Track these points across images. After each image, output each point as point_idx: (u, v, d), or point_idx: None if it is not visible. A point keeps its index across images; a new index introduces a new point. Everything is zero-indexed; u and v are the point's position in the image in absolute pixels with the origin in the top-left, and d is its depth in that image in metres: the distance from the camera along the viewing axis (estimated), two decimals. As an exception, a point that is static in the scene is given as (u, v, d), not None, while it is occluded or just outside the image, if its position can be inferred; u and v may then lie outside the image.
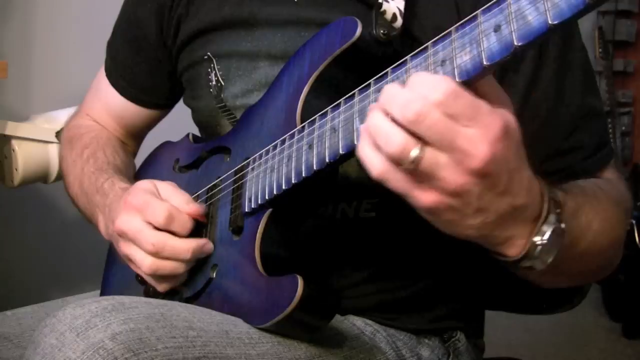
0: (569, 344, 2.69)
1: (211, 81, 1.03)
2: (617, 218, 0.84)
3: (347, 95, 0.75)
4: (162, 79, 1.15)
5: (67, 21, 2.07)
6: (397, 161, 0.61)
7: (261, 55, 0.99)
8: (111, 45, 1.19)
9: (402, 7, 0.87)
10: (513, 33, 0.60)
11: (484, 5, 0.63)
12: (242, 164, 0.91)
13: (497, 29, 0.61)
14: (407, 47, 0.74)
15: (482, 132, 0.60)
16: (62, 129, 1.32)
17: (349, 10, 0.90)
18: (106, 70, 1.19)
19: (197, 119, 1.11)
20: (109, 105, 1.20)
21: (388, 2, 0.87)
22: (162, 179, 1.06)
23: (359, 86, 0.74)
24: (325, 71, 0.84)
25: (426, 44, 0.67)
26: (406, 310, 0.98)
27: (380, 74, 0.72)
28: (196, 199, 0.98)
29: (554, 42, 0.89)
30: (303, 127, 0.81)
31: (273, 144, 0.85)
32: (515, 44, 0.59)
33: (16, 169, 1.58)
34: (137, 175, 1.18)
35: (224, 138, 1.00)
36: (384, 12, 0.87)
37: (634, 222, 2.79)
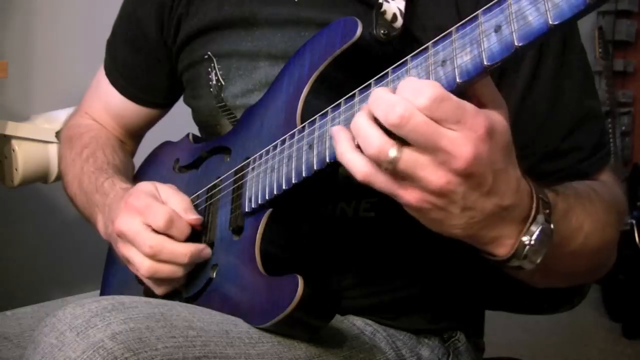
0: (569, 344, 2.69)
1: (211, 81, 1.03)
2: (610, 221, 0.85)
3: (347, 96, 0.75)
4: (161, 78, 1.15)
5: (67, 21, 2.07)
6: (377, 162, 0.63)
7: (261, 55, 0.99)
8: (111, 44, 1.19)
9: (402, 7, 0.87)
10: (514, 33, 0.60)
11: (484, 5, 0.63)
12: (242, 164, 0.91)
13: (497, 29, 0.61)
14: (408, 47, 0.74)
15: (466, 133, 0.61)
16: (62, 129, 1.32)
17: (349, 10, 0.90)
18: (106, 69, 1.19)
19: (197, 119, 1.11)
20: (108, 104, 1.20)
21: (388, 2, 0.87)
22: (162, 178, 1.06)
23: (359, 86, 0.74)
24: (325, 71, 0.84)
25: (427, 44, 0.67)
26: (406, 310, 0.98)
27: (380, 74, 0.72)
28: (196, 198, 0.99)
29: (553, 43, 0.89)
30: (303, 127, 0.81)
31: (273, 144, 0.85)
32: (516, 44, 0.60)
33: (16, 169, 1.58)
34: (137, 175, 1.18)
35: (224, 138, 1.00)
36: (384, 12, 0.87)
37: (634, 222, 2.79)
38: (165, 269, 0.88)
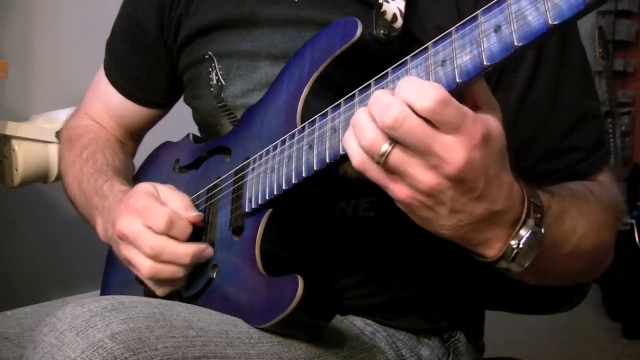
0: (569, 344, 2.69)
1: (212, 80, 1.03)
2: (606, 222, 0.85)
3: (347, 96, 0.75)
4: (161, 78, 1.15)
5: (67, 21, 2.06)
6: (368, 154, 0.65)
7: (262, 55, 0.99)
8: (110, 45, 1.19)
9: (402, 8, 0.87)
10: (513, 33, 0.60)
11: (484, 5, 0.63)
12: (243, 164, 0.91)
13: (497, 29, 0.61)
14: (408, 47, 0.75)
15: (462, 139, 0.62)
16: (61, 129, 1.32)
17: (350, 11, 0.90)
18: (105, 69, 1.19)
19: (198, 119, 1.11)
20: (108, 104, 1.20)
21: (388, 2, 0.87)
22: (162, 179, 1.07)
23: (359, 86, 0.74)
24: (325, 71, 0.84)
25: (426, 44, 0.67)
26: (406, 310, 0.98)
27: (380, 74, 0.72)
28: (196, 199, 0.99)
29: (553, 43, 0.89)
30: (303, 127, 0.81)
31: (273, 144, 0.85)
32: (516, 44, 0.60)
33: (16, 169, 1.58)
34: (137, 175, 1.18)
35: (224, 138, 1.00)
36: (384, 12, 0.87)
37: (634, 222, 2.79)
38: (167, 270, 0.88)
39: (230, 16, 1.01)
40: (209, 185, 0.97)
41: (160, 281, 0.90)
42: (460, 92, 0.64)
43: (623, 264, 2.75)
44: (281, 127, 0.86)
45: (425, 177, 0.63)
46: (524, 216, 0.69)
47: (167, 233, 0.87)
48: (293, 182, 0.80)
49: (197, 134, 1.12)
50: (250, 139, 0.93)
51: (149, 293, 0.95)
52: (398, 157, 0.63)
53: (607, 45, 3.28)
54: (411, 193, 0.65)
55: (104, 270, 1.14)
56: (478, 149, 0.62)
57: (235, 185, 0.91)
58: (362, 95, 0.73)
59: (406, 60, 0.69)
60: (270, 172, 0.84)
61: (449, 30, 0.65)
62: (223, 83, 1.02)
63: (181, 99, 1.17)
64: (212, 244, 0.92)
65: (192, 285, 0.92)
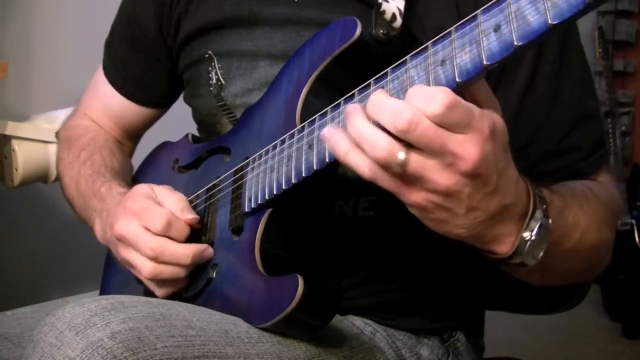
0: (569, 344, 2.69)
1: (211, 80, 1.03)
2: (606, 220, 0.85)
3: (347, 95, 0.75)
4: (160, 77, 1.15)
5: (67, 21, 2.07)
6: (384, 165, 0.63)
7: (261, 55, 0.99)
8: (109, 44, 1.19)
9: (401, 7, 0.87)
10: (513, 33, 0.60)
11: (484, 5, 0.63)
12: (242, 163, 0.91)
13: (497, 28, 0.61)
14: (407, 47, 0.74)
15: (473, 136, 0.62)
16: (60, 130, 1.32)
17: (349, 10, 0.90)
18: (104, 68, 1.19)
19: (197, 118, 1.11)
20: (107, 104, 1.20)
21: (388, 2, 0.87)
22: (162, 179, 1.06)
23: (358, 86, 0.74)
24: (325, 71, 0.84)
25: (426, 44, 0.67)
26: (405, 310, 0.98)
27: (380, 74, 0.72)
28: (195, 198, 0.99)
29: (553, 43, 0.89)
30: (303, 127, 0.81)
31: (273, 143, 0.85)
32: (515, 43, 0.60)
33: (16, 169, 1.58)
34: (136, 175, 1.18)
35: (224, 138, 1.00)
36: (384, 12, 0.87)
37: (634, 222, 2.79)
38: (168, 271, 0.88)
39: (230, 16, 1.01)
40: (209, 185, 0.97)
41: (161, 282, 0.90)
42: (460, 91, 0.64)
43: (623, 264, 2.75)
44: (281, 126, 0.86)
45: (441, 177, 0.63)
46: (531, 208, 0.69)
47: (165, 234, 0.87)
48: (293, 181, 0.80)
49: (196, 134, 1.12)
50: (249, 138, 0.93)
51: (149, 293, 0.95)
52: (417, 162, 0.63)
53: (607, 45, 3.28)
54: (427, 196, 0.65)
55: (104, 270, 1.14)
56: (488, 142, 0.62)
57: (235, 185, 0.91)
58: (362, 95, 0.73)
59: (405, 59, 0.69)
60: (269, 171, 0.84)
61: (448, 30, 0.65)
62: (223, 82, 1.02)
63: (180, 99, 1.17)
64: (212, 244, 0.92)
65: (192, 285, 0.92)
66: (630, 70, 3.46)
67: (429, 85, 0.65)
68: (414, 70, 0.68)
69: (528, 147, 0.89)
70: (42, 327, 0.73)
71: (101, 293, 1.13)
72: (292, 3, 0.97)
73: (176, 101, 1.21)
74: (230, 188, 0.92)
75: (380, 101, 0.64)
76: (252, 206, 0.86)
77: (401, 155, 0.62)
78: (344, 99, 0.75)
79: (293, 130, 0.82)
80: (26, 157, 1.57)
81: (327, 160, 0.75)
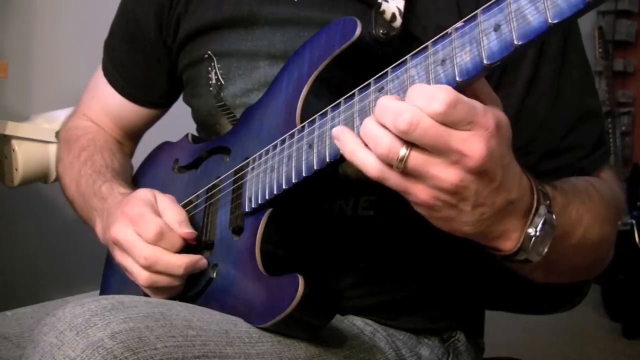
0: (569, 344, 2.69)
1: (211, 80, 1.03)
2: (608, 216, 0.85)
3: (347, 95, 0.75)
4: (160, 77, 1.15)
5: (67, 21, 2.06)
6: (386, 162, 0.64)
7: (261, 55, 0.99)
8: (109, 45, 1.19)
9: (401, 7, 0.87)
10: (513, 32, 0.60)
11: (484, 4, 0.63)
12: (242, 163, 0.91)
13: (497, 28, 0.61)
14: (407, 47, 0.75)
15: (478, 132, 0.62)
16: (59, 130, 1.31)
17: (349, 10, 0.90)
18: (104, 69, 1.19)
19: (197, 118, 1.11)
20: (106, 104, 1.20)
21: (387, 1, 0.87)
22: (161, 179, 1.06)
23: (358, 86, 0.74)
24: (325, 71, 0.84)
25: (426, 44, 0.67)
26: (406, 310, 0.98)
27: (380, 74, 0.72)
28: (196, 199, 0.99)
29: (554, 42, 0.89)
30: (303, 126, 0.81)
31: (273, 143, 0.85)
32: (516, 43, 0.60)
33: (16, 169, 1.58)
34: (136, 175, 1.18)
35: (224, 138, 1.00)
36: (383, 12, 0.87)
37: (634, 222, 2.79)
38: (163, 280, 0.88)
39: (230, 16, 1.01)
40: (209, 185, 0.97)
41: (157, 289, 0.90)
42: (461, 90, 0.64)
43: (623, 264, 2.75)
44: (281, 126, 0.86)
45: (447, 174, 0.63)
46: (535, 204, 0.69)
47: (157, 244, 0.88)
48: (293, 181, 0.80)
49: (196, 134, 1.12)
50: (249, 138, 0.93)
51: (149, 293, 0.95)
52: (417, 158, 0.63)
53: (607, 45, 3.28)
54: (434, 193, 0.65)
55: (104, 270, 1.14)
56: (494, 138, 0.63)
57: (235, 185, 0.91)
58: (362, 95, 0.73)
59: (406, 59, 0.69)
60: (270, 171, 0.84)
61: (448, 30, 0.65)
62: (222, 82, 1.02)
63: (180, 99, 1.17)
64: (212, 244, 0.92)
65: (192, 285, 0.92)
66: (630, 70, 3.46)
67: (430, 84, 0.65)
68: (414, 69, 0.68)
69: (529, 146, 0.90)
70: (42, 327, 0.73)
71: (101, 293, 1.13)
72: (292, 3, 0.97)
73: (176, 101, 1.21)
74: (231, 188, 0.92)
75: (383, 103, 0.64)
76: (253, 206, 0.86)
77: (402, 151, 0.63)
78: (344, 99, 0.75)
79: (293, 130, 0.82)
80: (26, 157, 1.57)
81: (327, 160, 0.75)
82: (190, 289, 0.92)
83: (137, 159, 1.21)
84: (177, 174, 1.07)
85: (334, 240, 0.93)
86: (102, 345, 0.69)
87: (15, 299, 1.25)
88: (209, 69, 1.03)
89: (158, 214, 0.90)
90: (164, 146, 1.15)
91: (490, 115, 0.63)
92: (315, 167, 0.76)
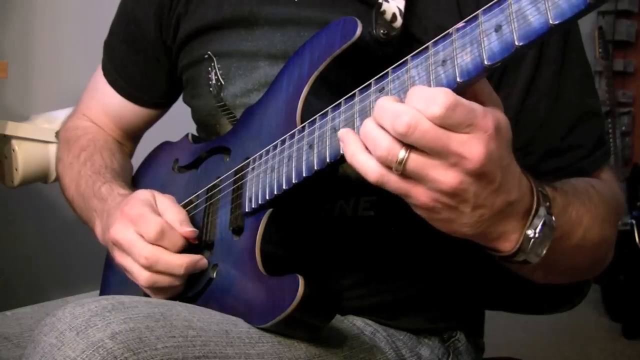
0: (569, 344, 2.69)
1: (211, 80, 1.03)
2: (608, 217, 0.85)
3: (347, 95, 0.75)
4: (159, 77, 1.15)
5: (67, 21, 2.06)
6: (386, 164, 0.64)
7: (261, 55, 0.99)
8: (108, 45, 1.19)
9: (402, 7, 0.87)
10: (514, 33, 0.60)
11: (485, 5, 0.63)
12: (242, 163, 0.91)
13: (498, 28, 0.61)
14: (408, 47, 0.75)
15: (477, 135, 0.62)
16: (59, 130, 1.31)
17: (349, 10, 0.90)
18: (103, 69, 1.19)
19: (197, 118, 1.11)
20: (106, 105, 1.20)
21: (388, 2, 0.87)
22: (161, 179, 1.06)
23: (359, 86, 0.74)
24: (325, 71, 0.84)
25: (427, 44, 0.67)
26: (405, 310, 0.98)
27: (380, 74, 0.72)
28: (196, 199, 0.99)
29: (554, 42, 0.89)
30: (303, 127, 0.81)
31: (273, 144, 0.85)
32: (516, 43, 0.60)
33: (16, 169, 1.58)
34: (135, 175, 1.18)
35: (224, 138, 1.00)
36: (384, 12, 0.87)
37: (634, 222, 2.79)
38: (164, 280, 0.88)
39: (230, 16, 1.01)
40: (209, 185, 0.97)
41: (157, 289, 0.90)
42: (462, 91, 0.64)
43: (623, 264, 2.75)
44: (281, 126, 0.86)
45: (447, 177, 0.63)
46: (535, 205, 0.69)
47: (158, 244, 0.87)
48: (293, 181, 0.79)
49: (196, 134, 1.12)
50: (249, 138, 0.93)
51: (149, 293, 0.95)
52: (417, 161, 0.63)
53: (607, 45, 3.28)
54: (434, 196, 0.65)
55: (103, 270, 1.14)
56: (493, 140, 0.63)
57: (235, 185, 0.91)
58: (362, 95, 0.73)
59: (406, 59, 0.69)
60: (270, 171, 0.84)
61: (449, 30, 0.65)
62: (222, 83, 1.02)
63: (180, 99, 1.17)
64: (212, 244, 0.92)
65: (192, 285, 0.92)
66: (630, 70, 3.46)
67: (430, 85, 0.65)
68: (415, 70, 0.68)
69: (530, 146, 0.90)
70: (42, 328, 0.73)
71: (101, 293, 1.13)
72: (292, 3, 0.97)
73: (176, 101, 1.21)
74: (231, 188, 0.92)
75: (382, 105, 0.64)
76: (253, 206, 0.86)
77: (401, 153, 0.63)
78: (345, 99, 0.75)
79: (293, 131, 0.82)
80: (26, 157, 1.57)
81: (327, 160, 0.75)
82: (190, 289, 0.92)
83: (137, 159, 1.21)
84: (177, 173, 1.07)
85: (335, 240, 0.93)
86: (103, 345, 0.69)
87: (15, 299, 1.25)
88: (209, 69, 1.03)
89: (158, 213, 0.90)
90: (164, 146, 1.15)
91: (489, 118, 0.63)
92: (315, 168, 0.76)
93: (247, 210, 0.87)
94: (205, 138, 1.09)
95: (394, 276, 0.97)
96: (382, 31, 0.86)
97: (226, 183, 0.94)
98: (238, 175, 0.91)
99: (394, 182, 0.65)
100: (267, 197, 0.84)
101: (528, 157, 0.89)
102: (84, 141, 1.16)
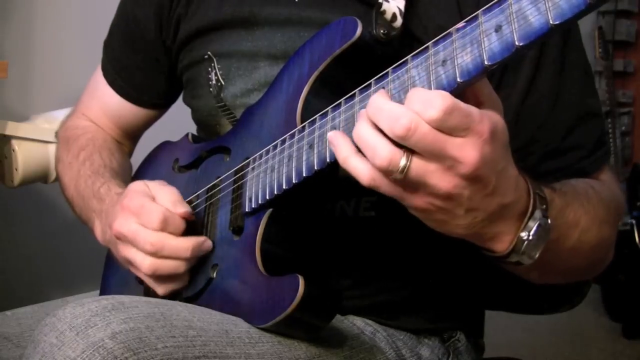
0: (569, 344, 2.69)
1: (211, 80, 1.03)
2: (607, 218, 0.85)
3: (347, 95, 0.75)
4: (159, 78, 1.15)
5: (67, 21, 2.07)
6: (386, 172, 0.64)
7: (261, 55, 0.99)
8: (108, 45, 1.19)
9: (402, 7, 0.87)
10: (514, 33, 0.60)
11: (485, 5, 0.63)
12: (242, 163, 0.91)
13: (498, 28, 0.61)
14: (408, 47, 0.75)
15: (472, 139, 0.62)
16: (58, 130, 1.31)
17: (349, 10, 0.90)
18: (103, 69, 1.19)
19: (197, 118, 1.11)
20: (105, 104, 1.20)
21: (388, 1, 0.87)
22: (161, 178, 1.06)
23: (359, 86, 0.74)
24: (325, 71, 0.84)
25: (427, 44, 0.67)
26: (406, 310, 0.98)
27: (380, 74, 0.72)
28: (196, 198, 0.99)
29: (553, 43, 0.89)
30: (303, 127, 0.81)
31: (273, 143, 0.85)
32: (517, 44, 0.60)
33: (16, 169, 1.58)
34: (135, 175, 1.18)
35: (224, 138, 1.00)
36: (384, 12, 0.87)
37: (634, 222, 2.79)
38: (168, 265, 0.88)
39: (230, 16, 1.01)
40: (209, 185, 0.97)
41: (161, 278, 0.90)
42: (462, 92, 0.64)
43: (623, 264, 2.75)
44: (281, 126, 0.86)
45: (442, 181, 0.63)
46: (530, 208, 0.69)
47: (163, 230, 0.87)
48: (293, 181, 0.80)
49: (196, 134, 1.12)
50: (249, 138, 0.93)
51: (149, 293, 0.95)
52: (419, 167, 0.63)
53: (607, 45, 3.28)
54: (429, 199, 0.65)
55: (104, 270, 1.14)
56: (488, 145, 0.63)
57: (235, 185, 0.91)
58: (363, 95, 0.73)
59: (406, 59, 0.69)
60: (270, 171, 0.84)
61: (449, 30, 0.65)
62: (222, 83, 1.02)
63: (180, 99, 1.17)
64: (212, 244, 0.92)
65: (192, 285, 0.92)
66: (630, 70, 3.46)
67: (430, 85, 0.65)
68: (415, 70, 0.68)
69: (530, 147, 0.90)
70: (42, 327, 0.73)
71: (101, 293, 1.13)
72: (292, 3, 0.97)
73: (175, 102, 1.21)
74: (231, 188, 0.92)
75: (378, 104, 0.64)
76: (253, 206, 0.86)
77: (402, 161, 0.63)
78: (345, 99, 0.75)
79: (293, 131, 0.82)
80: (26, 157, 1.57)
81: (327, 160, 0.75)
82: (190, 288, 0.92)
83: (137, 159, 1.21)
84: (177, 173, 1.07)
85: (335, 240, 0.93)
86: (103, 345, 0.69)
87: (15, 299, 1.25)
88: (209, 69, 1.03)
89: (154, 200, 0.90)
90: (164, 146, 1.15)
91: (485, 122, 0.63)
92: (315, 168, 0.76)
93: (247, 210, 0.87)
94: (205, 138, 1.09)
95: (394, 276, 0.97)
96: (382, 31, 0.86)
97: (226, 183, 0.94)
98: (238, 175, 0.91)
99: (387, 186, 0.65)
100: (267, 197, 0.84)
101: (528, 158, 0.89)
102: (83, 140, 1.16)
